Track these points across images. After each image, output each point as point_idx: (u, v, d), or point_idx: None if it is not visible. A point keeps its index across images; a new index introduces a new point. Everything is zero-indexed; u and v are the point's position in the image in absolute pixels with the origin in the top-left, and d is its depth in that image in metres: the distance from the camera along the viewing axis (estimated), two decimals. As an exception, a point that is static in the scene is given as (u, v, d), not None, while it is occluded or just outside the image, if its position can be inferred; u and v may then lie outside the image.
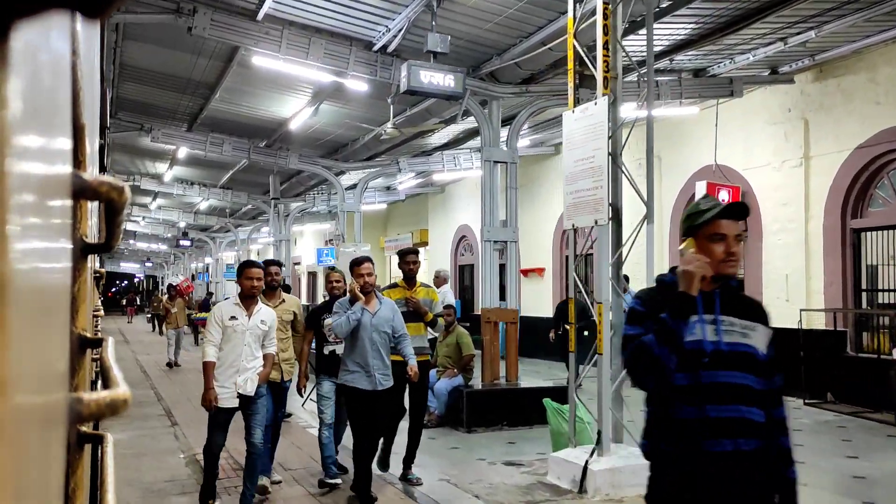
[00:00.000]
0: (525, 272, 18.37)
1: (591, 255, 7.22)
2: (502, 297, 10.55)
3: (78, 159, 0.88)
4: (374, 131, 11.44)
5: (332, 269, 7.42)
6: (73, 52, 0.78)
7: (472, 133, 14.81)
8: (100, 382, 1.47)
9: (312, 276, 32.37)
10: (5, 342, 0.35)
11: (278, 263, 6.43)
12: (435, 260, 24.01)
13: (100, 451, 1.11)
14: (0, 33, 0.32)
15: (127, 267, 69.27)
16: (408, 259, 6.23)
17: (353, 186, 17.76)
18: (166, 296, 19.70)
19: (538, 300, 17.82)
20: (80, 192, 0.67)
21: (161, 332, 27.36)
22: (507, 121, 10.40)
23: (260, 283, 5.33)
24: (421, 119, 11.56)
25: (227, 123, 14.00)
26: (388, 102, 10.08)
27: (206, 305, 25.57)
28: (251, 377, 5.24)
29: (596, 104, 6.04)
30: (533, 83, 10.04)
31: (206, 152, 14.35)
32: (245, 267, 5.35)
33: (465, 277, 22.46)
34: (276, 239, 21.20)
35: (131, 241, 41.18)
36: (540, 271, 17.71)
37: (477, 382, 9.28)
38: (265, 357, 5.34)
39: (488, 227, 10.01)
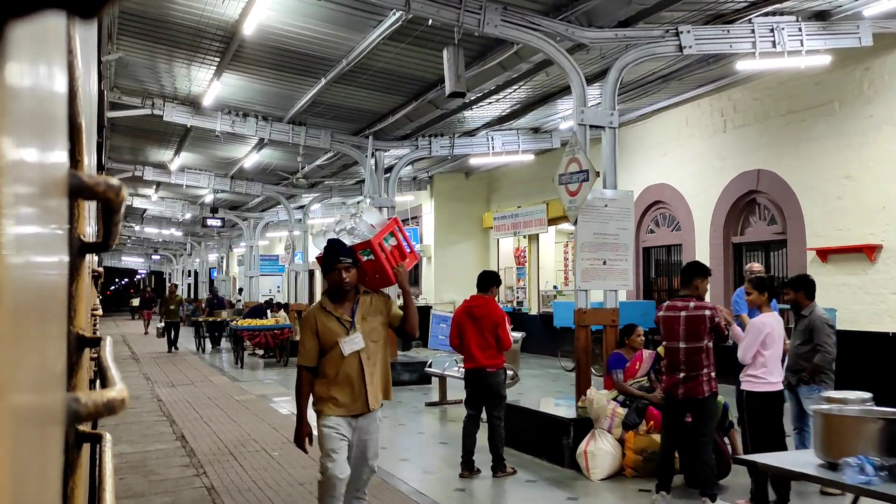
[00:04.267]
0: (824, 253, 10.75)
1: None
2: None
3: (75, 158, 0.88)
4: None
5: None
6: (70, 50, 0.79)
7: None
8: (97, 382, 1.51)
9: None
10: (2, 342, 0.35)
11: None
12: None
13: (98, 451, 1.12)
14: None
15: (129, 262, 61.44)
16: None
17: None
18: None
19: (861, 300, 10.23)
20: (77, 191, 0.68)
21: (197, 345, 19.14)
22: None
23: None
24: None
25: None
26: None
27: (259, 311, 17.88)
28: None
29: None
30: None
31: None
32: None
33: (652, 265, 14.84)
34: (376, 206, 13.51)
35: (136, 228, 33.31)
36: (871, 251, 10.06)
37: None
38: None
39: None
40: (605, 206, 7.59)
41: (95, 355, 1.41)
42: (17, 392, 0.39)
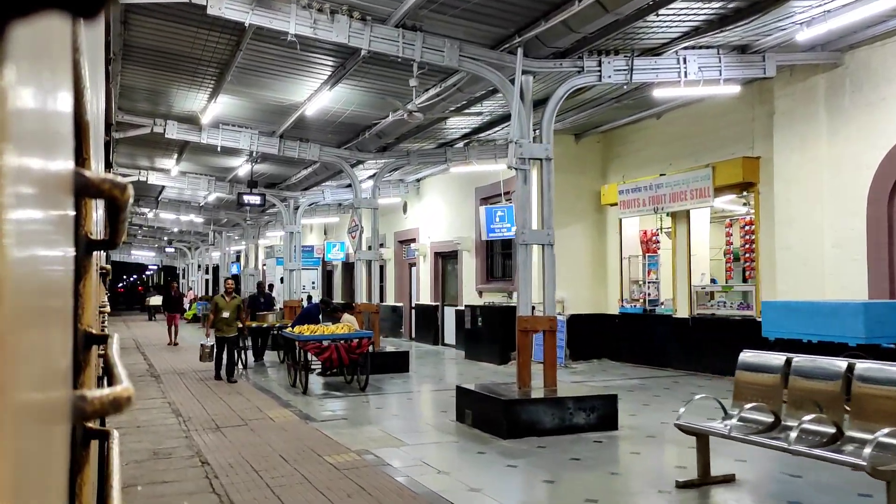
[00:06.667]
0: None
1: None
2: None
3: (82, 157, 0.88)
4: None
5: None
6: (76, 49, 0.78)
7: None
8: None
9: (446, 258, 19.99)
10: (5, 340, 0.35)
11: None
12: (784, 215, 11.50)
13: (106, 448, 1.12)
14: None
15: (139, 256, 57.02)
16: None
17: None
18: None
19: None
20: (83, 189, 0.68)
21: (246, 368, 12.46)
22: None
23: None
24: None
25: None
26: None
27: (311, 315, 13.21)
28: None
29: None
30: None
31: None
32: None
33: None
34: (523, 156, 8.96)
35: (150, 215, 28.65)
36: None
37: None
38: None
39: None
40: None
41: (103, 352, 1.36)
42: (21, 390, 0.38)
